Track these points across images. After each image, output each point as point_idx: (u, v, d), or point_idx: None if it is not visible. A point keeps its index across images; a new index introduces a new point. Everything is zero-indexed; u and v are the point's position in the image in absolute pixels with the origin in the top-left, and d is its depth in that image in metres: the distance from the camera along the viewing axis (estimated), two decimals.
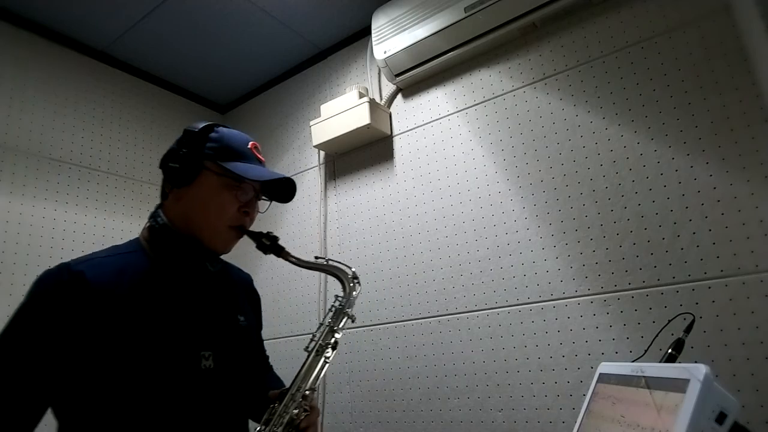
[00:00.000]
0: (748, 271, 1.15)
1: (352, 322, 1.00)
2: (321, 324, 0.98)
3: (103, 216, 1.92)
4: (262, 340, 1.16)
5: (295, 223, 2.09)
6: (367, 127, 1.78)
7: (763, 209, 1.16)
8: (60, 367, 0.78)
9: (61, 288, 0.79)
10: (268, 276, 2.12)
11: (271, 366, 1.20)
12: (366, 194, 1.90)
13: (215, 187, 0.91)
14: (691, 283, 1.22)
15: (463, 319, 1.57)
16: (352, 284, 1.01)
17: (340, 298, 1.01)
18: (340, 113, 1.84)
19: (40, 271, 1.80)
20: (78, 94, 1.96)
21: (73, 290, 0.79)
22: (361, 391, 1.75)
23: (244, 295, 1.09)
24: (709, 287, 1.19)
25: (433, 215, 1.70)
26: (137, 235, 0.96)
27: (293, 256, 0.98)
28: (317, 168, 2.08)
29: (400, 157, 1.84)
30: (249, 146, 0.95)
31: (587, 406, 0.96)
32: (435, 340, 1.61)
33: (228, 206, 0.91)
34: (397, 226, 1.78)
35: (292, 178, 0.98)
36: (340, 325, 0.98)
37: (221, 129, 0.95)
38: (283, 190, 1.00)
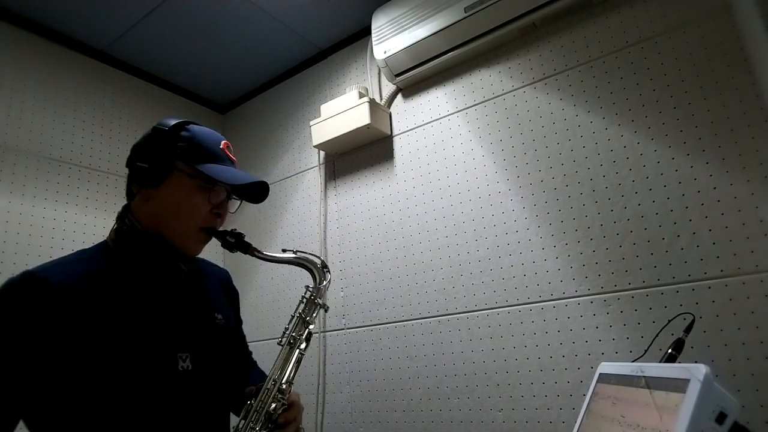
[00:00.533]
0: (748, 271, 1.15)
1: (325, 312, 1.01)
2: (293, 316, 0.96)
3: (103, 216, 1.92)
4: (244, 336, 1.15)
5: (295, 223, 2.09)
6: (367, 127, 1.78)
7: (763, 209, 1.16)
8: (33, 377, 0.75)
9: (26, 297, 0.76)
10: (268, 276, 2.12)
11: (255, 362, 1.18)
12: (366, 194, 1.90)
13: (187, 189, 0.88)
14: (691, 283, 1.22)
15: (463, 319, 1.56)
16: (322, 274, 1.00)
17: (310, 288, 0.99)
18: (340, 113, 1.84)
19: None
20: (78, 94, 1.96)
21: (39, 298, 0.76)
22: (361, 391, 1.75)
23: (221, 292, 1.07)
24: (709, 287, 1.19)
25: (433, 215, 1.70)
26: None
27: (260, 252, 0.95)
28: (317, 168, 2.08)
29: (400, 157, 1.84)
30: (221, 146, 0.93)
31: (587, 406, 0.96)
32: (435, 340, 1.61)
33: (200, 208, 0.89)
34: (397, 226, 1.78)
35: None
36: (313, 316, 0.96)
37: (192, 127, 0.92)
38: (256, 191, 0.98)
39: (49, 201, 1.78)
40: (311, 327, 0.95)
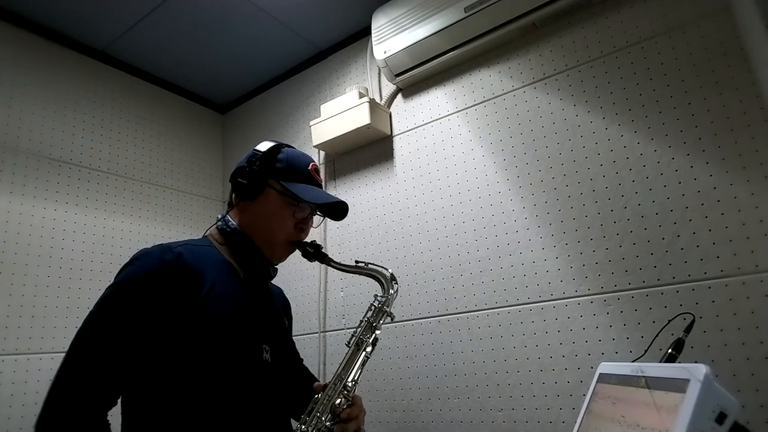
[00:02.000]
0: (748, 271, 1.15)
1: (392, 320, 1.05)
2: (362, 320, 1.03)
3: (103, 216, 1.92)
4: (294, 343, 1.24)
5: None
6: (367, 127, 1.78)
7: (763, 209, 1.16)
8: (149, 342, 0.83)
9: (165, 267, 0.86)
10: None
11: (306, 368, 1.25)
12: (366, 194, 1.90)
13: (277, 204, 1.00)
14: (691, 283, 1.22)
15: (463, 319, 1.56)
16: (390, 284, 1.07)
17: (379, 297, 1.06)
18: (340, 113, 1.84)
19: (40, 271, 1.80)
20: (78, 94, 1.96)
21: (174, 270, 0.86)
22: (361, 391, 1.74)
23: (281, 303, 1.20)
24: (709, 287, 1.19)
25: (433, 215, 1.70)
26: (200, 234, 1.06)
27: (336, 262, 1.05)
28: None
29: (400, 157, 1.84)
30: (309, 168, 1.05)
31: (587, 406, 0.96)
32: (435, 340, 1.61)
33: (287, 222, 1.01)
34: (397, 226, 1.78)
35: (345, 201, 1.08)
36: (380, 323, 1.03)
37: (286, 150, 1.05)
38: (336, 209, 1.09)
39: (49, 201, 1.78)
40: (377, 333, 1.02)
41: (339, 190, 1.99)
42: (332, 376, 0.97)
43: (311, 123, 1.94)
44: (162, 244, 0.91)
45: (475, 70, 1.70)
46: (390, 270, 1.08)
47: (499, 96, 1.63)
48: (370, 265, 1.07)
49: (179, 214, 2.21)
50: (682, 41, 1.32)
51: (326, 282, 1.94)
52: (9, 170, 1.70)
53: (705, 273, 1.20)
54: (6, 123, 1.72)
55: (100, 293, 0.87)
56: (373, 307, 1.05)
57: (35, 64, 1.84)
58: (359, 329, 1.02)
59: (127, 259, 0.90)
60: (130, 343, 0.82)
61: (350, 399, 0.95)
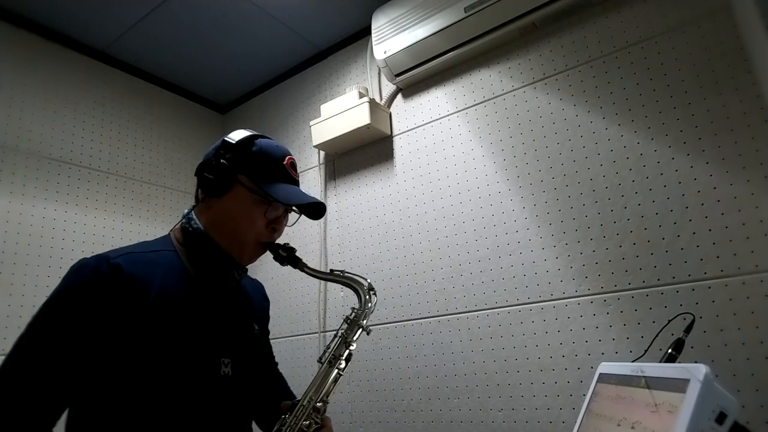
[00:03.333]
0: (748, 271, 1.15)
1: (368, 334, 0.99)
2: (335, 335, 0.97)
3: (103, 216, 1.92)
4: (271, 346, 1.17)
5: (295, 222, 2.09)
6: (367, 127, 1.78)
7: (763, 209, 1.16)
8: (87, 359, 0.78)
9: (100, 280, 0.79)
10: (269, 276, 2.12)
11: (281, 373, 1.19)
12: (366, 194, 1.90)
13: (246, 203, 0.91)
14: (691, 283, 1.22)
15: (463, 319, 1.56)
16: (367, 296, 1.00)
17: (355, 310, 0.99)
18: (340, 113, 1.84)
19: (40, 271, 1.80)
20: (78, 94, 1.96)
21: (111, 283, 0.79)
22: (361, 391, 1.75)
23: (257, 303, 1.10)
24: (709, 287, 1.19)
25: (433, 215, 1.70)
26: (164, 234, 0.97)
27: (309, 268, 0.98)
28: (317, 168, 2.08)
29: (400, 157, 1.84)
30: (285, 162, 0.95)
31: (587, 406, 0.96)
32: (435, 340, 1.61)
33: (257, 222, 0.92)
34: (397, 226, 1.78)
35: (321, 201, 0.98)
36: (354, 337, 0.96)
37: (260, 142, 0.94)
38: (313, 208, 1.00)
39: (49, 201, 1.78)
40: (352, 348, 0.95)
41: (339, 190, 1.99)
42: (301, 395, 0.91)
43: (311, 123, 1.94)
44: (100, 254, 0.83)
45: (475, 70, 1.70)
46: (369, 280, 1.02)
47: (499, 96, 1.63)
48: (346, 274, 1.00)
49: (179, 214, 2.19)
50: (682, 41, 1.32)
51: (326, 283, 1.94)
52: (9, 170, 1.70)
53: (705, 273, 1.20)
54: (6, 123, 1.72)
55: None
56: (348, 320, 0.98)
57: (35, 64, 1.84)
58: (333, 344, 0.95)
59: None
60: (63, 362, 0.76)
61: (319, 421, 0.89)
